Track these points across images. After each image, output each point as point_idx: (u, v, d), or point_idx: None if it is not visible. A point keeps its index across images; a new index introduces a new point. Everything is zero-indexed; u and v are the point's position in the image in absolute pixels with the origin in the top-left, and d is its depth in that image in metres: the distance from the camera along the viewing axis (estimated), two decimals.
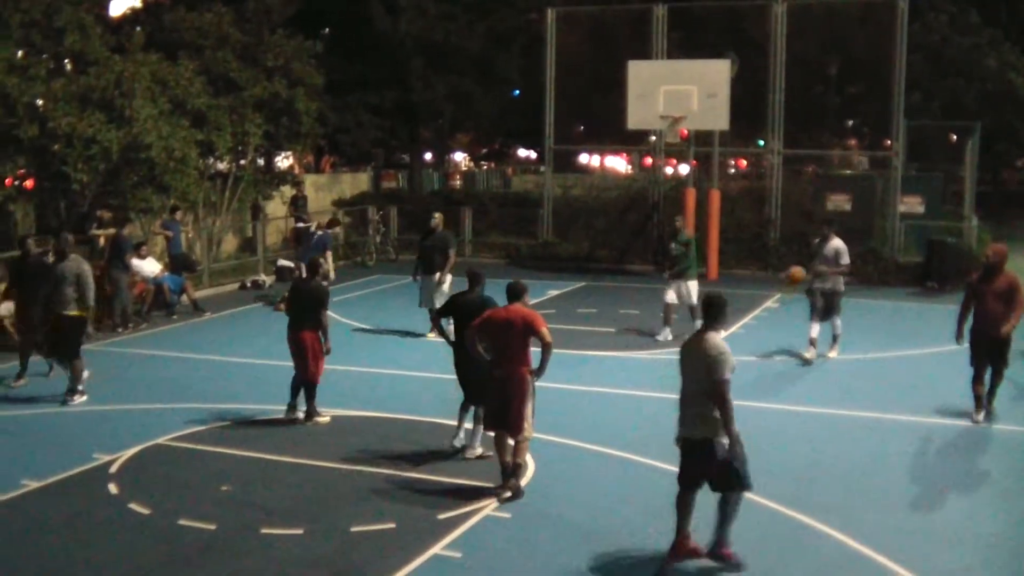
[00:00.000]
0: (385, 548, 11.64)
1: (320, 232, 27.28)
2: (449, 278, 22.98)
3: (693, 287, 22.74)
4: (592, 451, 15.13)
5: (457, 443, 14.89)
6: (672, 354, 21.36)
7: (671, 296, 22.89)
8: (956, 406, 17.25)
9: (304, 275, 17.53)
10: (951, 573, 11.16)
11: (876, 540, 11.77)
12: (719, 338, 10.98)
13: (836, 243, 20.95)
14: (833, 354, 21.02)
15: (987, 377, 16.45)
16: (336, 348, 17.67)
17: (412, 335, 23.26)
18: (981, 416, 16.31)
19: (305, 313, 16.43)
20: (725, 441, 10.70)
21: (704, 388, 10.71)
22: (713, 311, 11.07)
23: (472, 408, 14.78)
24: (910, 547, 11.70)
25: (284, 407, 16.54)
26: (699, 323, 20.49)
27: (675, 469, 13.80)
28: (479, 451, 14.71)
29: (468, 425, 14.90)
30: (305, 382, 16.46)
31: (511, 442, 13.28)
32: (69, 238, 18.36)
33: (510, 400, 13.18)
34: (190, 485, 13.72)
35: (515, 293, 13.54)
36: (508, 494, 13.15)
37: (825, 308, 20.84)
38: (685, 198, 33.07)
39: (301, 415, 16.56)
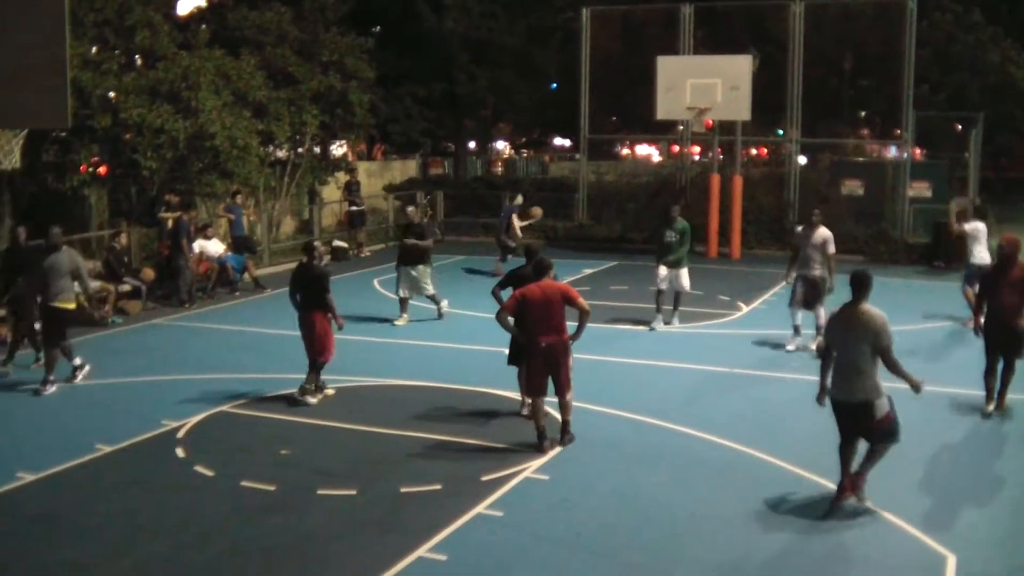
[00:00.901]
0: (432, 507, 11.64)
1: (509, 204, 30.67)
2: (430, 269, 22.18)
3: (685, 275, 21.25)
4: (625, 418, 15.04)
5: (525, 411, 14.69)
6: (694, 328, 21.43)
7: (663, 284, 21.26)
8: (959, 377, 17.07)
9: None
10: (957, 527, 11.14)
11: (889, 500, 11.72)
12: (875, 308, 11.20)
13: (823, 231, 19.19)
14: (814, 345, 18.73)
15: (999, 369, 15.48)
16: (384, 324, 17.51)
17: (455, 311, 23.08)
18: (991, 407, 15.23)
19: (310, 296, 15.94)
20: (881, 402, 11.11)
21: (866, 355, 11.03)
22: (864, 285, 11.28)
23: None
24: (916, 504, 11.73)
25: (330, 377, 16.45)
26: (667, 309, 20.97)
27: (704, 435, 13.90)
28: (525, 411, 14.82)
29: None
30: (315, 360, 15.93)
31: (546, 408, 13.73)
32: (58, 231, 17.08)
33: (559, 366, 13.45)
34: (251, 449, 13.75)
35: (543, 270, 13.78)
36: (569, 439, 13.71)
37: (807, 297, 19.10)
38: (710, 183, 33.28)
39: (317, 394, 15.96)
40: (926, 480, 12.68)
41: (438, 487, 12.25)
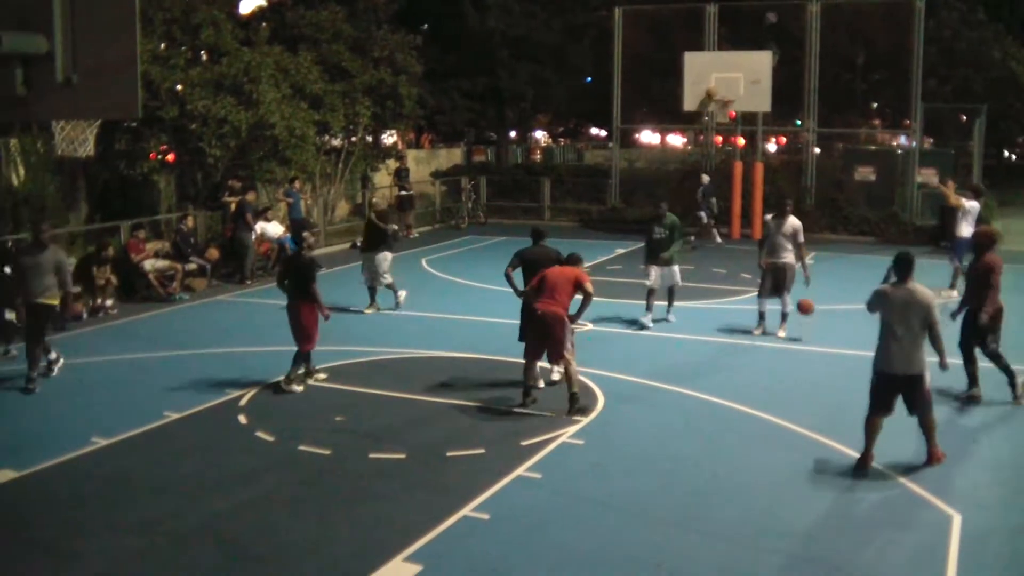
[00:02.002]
0: (475, 470, 11.65)
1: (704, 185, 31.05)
2: (389, 255, 20.85)
3: (677, 270, 19.46)
4: (654, 387, 14.98)
5: (541, 383, 14.73)
6: (719, 304, 21.31)
7: (653, 281, 19.25)
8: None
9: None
10: (961, 489, 11.12)
11: (895, 463, 11.74)
12: (923, 286, 11.43)
13: (793, 220, 18.36)
14: (782, 333, 18.15)
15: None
16: (431, 298, 17.35)
17: (498, 289, 23.00)
18: (977, 391, 14.65)
19: (297, 285, 15.06)
20: (928, 373, 11.36)
21: (920, 330, 11.25)
22: (910, 265, 11.44)
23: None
24: (925, 469, 11.68)
25: (383, 349, 16.44)
26: (651, 309, 19.18)
27: (729, 403, 13.87)
28: (556, 376, 15.04)
29: (544, 364, 14.81)
30: (300, 349, 15.11)
31: (537, 370, 14.28)
32: (45, 227, 15.82)
33: (549, 335, 13.71)
34: (308, 416, 13.75)
35: (571, 262, 14.47)
36: (578, 418, 13.50)
37: (774, 284, 18.17)
38: (733, 170, 33.37)
39: (308, 379, 15.21)
40: None
41: (481, 451, 12.26)
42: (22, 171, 24.52)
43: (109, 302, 20.77)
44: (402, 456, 12.11)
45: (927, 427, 11.60)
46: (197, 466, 11.91)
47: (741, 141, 36.13)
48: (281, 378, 15.15)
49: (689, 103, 32.93)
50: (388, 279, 20.82)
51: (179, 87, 25.52)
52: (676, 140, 76.75)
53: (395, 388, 15.00)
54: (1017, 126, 53.34)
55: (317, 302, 15.00)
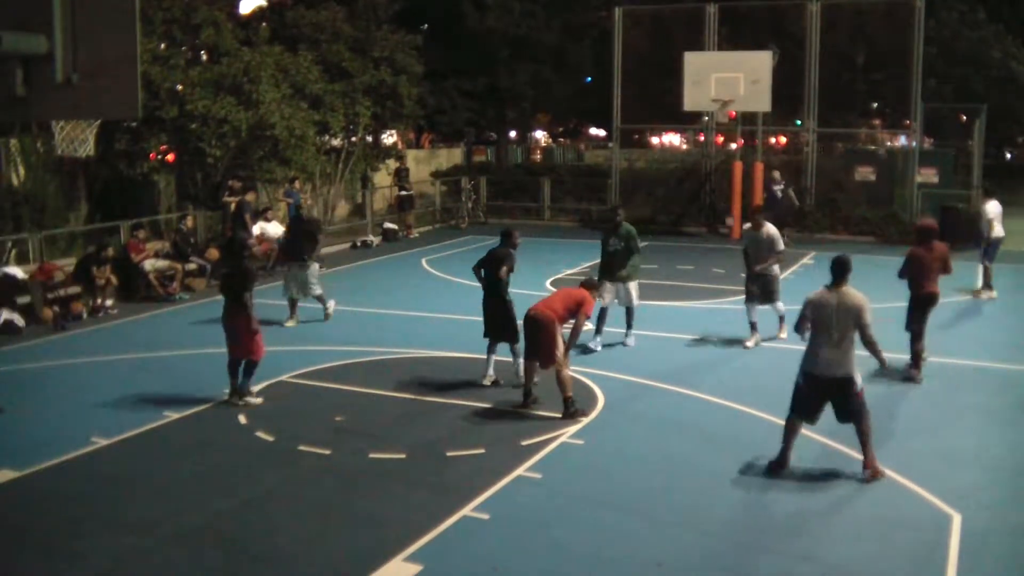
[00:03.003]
0: (475, 470, 11.64)
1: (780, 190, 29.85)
2: (316, 265, 19.91)
3: (634, 288, 17.45)
4: (654, 387, 14.98)
5: (487, 381, 15.08)
6: (718, 304, 21.30)
7: (607, 301, 17.31)
8: (964, 347, 17.21)
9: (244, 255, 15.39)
10: (961, 491, 11.05)
11: (897, 462, 11.72)
12: (856, 290, 11.43)
13: (769, 229, 17.58)
14: (783, 335, 17.57)
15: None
16: (431, 299, 17.32)
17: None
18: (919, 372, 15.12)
19: (234, 295, 14.37)
20: (858, 376, 11.28)
21: (850, 333, 11.18)
22: (846, 268, 11.43)
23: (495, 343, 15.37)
24: (926, 468, 11.68)
25: (383, 349, 16.45)
26: (600, 333, 17.56)
27: (728, 403, 13.85)
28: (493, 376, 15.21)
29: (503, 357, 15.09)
30: (246, 361, 14.28)
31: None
32: None
33: (535, 339, 13.70)
34: (308, 416, 13.75)
35: (585, 285, 14.45)
36: (573, 421, 13.38)
37: (763, 293, 17.60)
38: (733, 170, 33.33)
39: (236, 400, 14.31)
40: (932, 444, 12.63)
41: (481, 451, 12.25)
42: (22, 171, 24.56)
43: (109, 302, 20.79)
44: (402, 456, 12.10)
45: (863, 435, 11.34)
46: (197, 466, 11.90)
47: (741, 141, 36.11)
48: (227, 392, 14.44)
49: (689, 103, 32.86)
50: (317, 290, 19.81)
51: (179, 87, 25.53)
52: (676, 140, 76.68)
53: (395, 388, 14.98)
54: (1017, 126, 53.31)
55: (248, 312, 14.23)
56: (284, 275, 20.21)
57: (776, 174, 30.85)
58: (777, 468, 11.52)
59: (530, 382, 14.06)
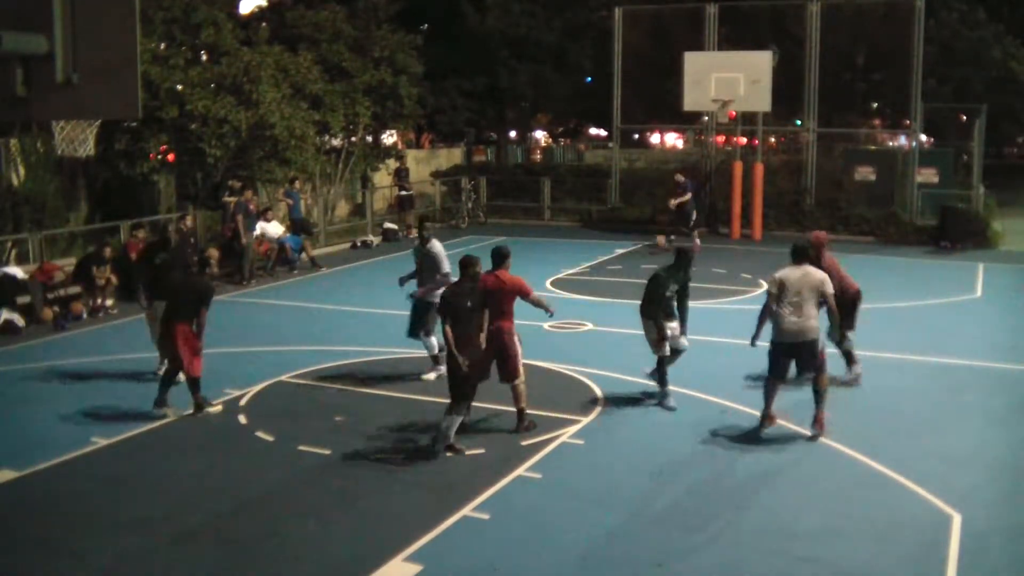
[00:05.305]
0: (475, 469, 11.66)
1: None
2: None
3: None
4: (652, 387, 14.94)
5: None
6: (720, 304, 21.30)
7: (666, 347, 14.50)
8: (964, 347, 17.23)
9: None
10: (961, 490, 11.08)
11: (897, 463, 11.78)
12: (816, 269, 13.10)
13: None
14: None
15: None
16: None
17: None
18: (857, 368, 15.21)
19: (183, 306, 13.68)
20: (821, 338, 12.88)
21: (813, 302, 12.67)
22: (804, 252, 13.18)
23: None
24: (926, 468, 11.70)
25: (382, 349, 16.44)
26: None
27: (728, 403, 13.85)
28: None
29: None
30: (187, 376, 13.79)
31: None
32: None
33: (505, 350, 13.00)
34: (308, 416, 13.76)
35: (499, 258, 13.67)
36: (526, 432, 12.94)
37: None
38: (733, 170, 33.37)
39: (169, 410, 13.72)
40: (931, 445, 12.65)
41: (482, 451, 12.28)
42: (22, 171, 24.56)
43: (109, 302, 20.80)
44: (402, 456, 12.14)
45: (820, 389, 12.78)
46: (197, 466, 11.91)
47: (742, 140, 36.17)
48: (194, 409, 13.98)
49: (689, 103, 32.86)
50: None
51: (179, 87, 25.54)
52: (676, 140, 76.75)
53: (395, 388, 15.00)
54: (1017, 126, 53.35)
55: (200, 329, 13.73)
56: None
57: (680, 177, 31.12)
58: (766, 421, 13.06)
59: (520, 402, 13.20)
